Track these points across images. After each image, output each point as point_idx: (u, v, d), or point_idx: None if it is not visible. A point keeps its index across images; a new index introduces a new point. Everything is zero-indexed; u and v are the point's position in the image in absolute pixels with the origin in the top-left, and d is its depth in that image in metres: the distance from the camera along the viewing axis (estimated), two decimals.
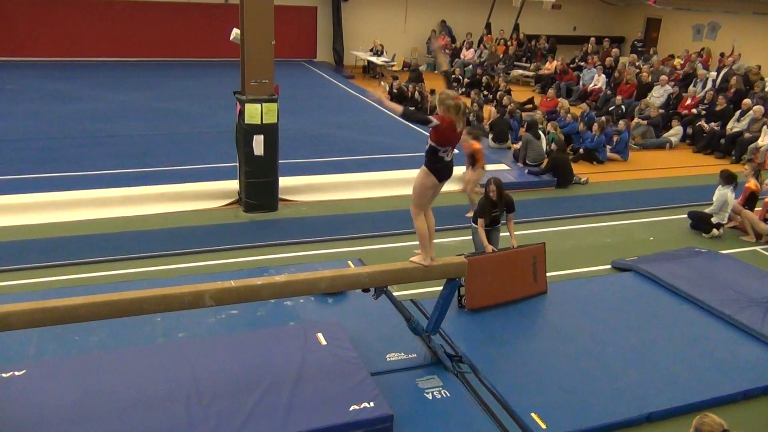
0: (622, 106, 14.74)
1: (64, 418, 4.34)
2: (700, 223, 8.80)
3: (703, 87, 15.26)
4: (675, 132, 13.63)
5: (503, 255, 6.70)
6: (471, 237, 7.19)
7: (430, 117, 4.66)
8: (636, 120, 14.01)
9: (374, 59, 19.87)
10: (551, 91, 15.78)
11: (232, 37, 8.56)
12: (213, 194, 9.04)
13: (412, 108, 4.87)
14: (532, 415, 4.81)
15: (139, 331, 5.66)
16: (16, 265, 6.88)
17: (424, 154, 4.79)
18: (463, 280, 5.78)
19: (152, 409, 4.48)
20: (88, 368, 4.91)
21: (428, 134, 4.75)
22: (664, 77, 15.64)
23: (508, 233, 6.95)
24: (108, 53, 19.16)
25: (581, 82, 17.63)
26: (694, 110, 14.21)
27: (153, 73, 17.96)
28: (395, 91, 16.27)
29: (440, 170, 4.74)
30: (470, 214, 7.99)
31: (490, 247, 6.70)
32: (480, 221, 6.84)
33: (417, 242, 5.14)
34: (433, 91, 14.87)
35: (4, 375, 4.69)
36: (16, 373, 4.73)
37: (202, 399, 4.57)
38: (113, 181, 9.18)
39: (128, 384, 4.72)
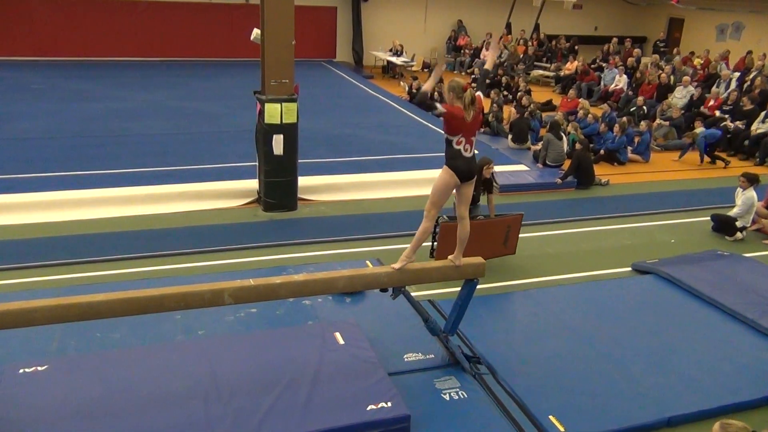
0: (644, 107, 14.59)
1: (85, 413, 4.39)
2: (724, 225, 8.68)
3: (727, 88, 15.05)
4: (697, 133, 13.44)
5: (477, 223, 6.99)
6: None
7: (437, 104, 4.52)
8: (658, 121, 13.86)
9: (394, 59, 19.87)
10: (572, 92, 15.65)
11: (252, 37, 8.60)
12: (232, 193, 9.10)
13: (428, 96, 4.71)
14: (550, 417, 4.77)
15: (159, 328, 5.71)
16: (39, 262, 6.97)
17: (444, 154, 4.74)
18: (437, 237, 6.74)
19: (171, 405, 4.52)
20: (108, 364, 4.96)
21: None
22: (686, 78, 15.46)
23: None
24: (130, 53, 19.38)
25: (602, 83, 17.48)
26: (717, 111, 14.02)
27: (174, 73, 18.13)
28: (414, 91, 16.27)
29: (460, 167, 4.62)
30: None
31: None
32: None
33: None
34: None
35: (27, 370, 4.75)
36: (39, 368, 4.79)
37: (220, 397, 4.60)
38: (134, 180, 9.28)
39: (148, 380, 4.76)
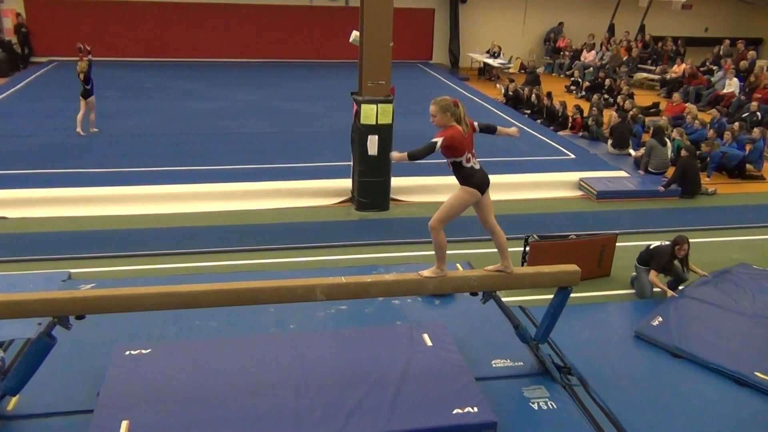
0: (758, 113, 13.70)
1: (183, 397, 4.61)
2: None
3: None
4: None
5: (568, 243, 7.01)
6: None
7: (432, 141, 4.44)
8: None
9: (490, 61, 19.65)
10: (676, 95, 14.92)
11: (351, 39, 8.75)
12: (327, 192, 9.29)
13: (415, 150, 4.59)
14: None
15: (253, 320, 5.91)
16: (146, 251, 7.39)
17: (454, 174, 4.69)
18: (527, 257, 6.86)
19: (263, 394, 4.66)
20: (205, 351, 5.19)
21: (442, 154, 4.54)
22: None
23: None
24: (234, 54, 20.22)
25: (715, 86, 16.55)
26: None
27: (274, 74, 18.72)
28: (511, 93, 16.02)
29: (478, 182, 4.66)
30: None
31: (669, 292, 6.50)
32: (653, 273, 6.58)
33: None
34: (549, 94, 14.50)
35: (132, 352, 5.05)
36: (143, 351, 5.08)
37: (309, 390, 4.70)
38: (234, 176, 9.63)
39: (241, 369, 4.94)
